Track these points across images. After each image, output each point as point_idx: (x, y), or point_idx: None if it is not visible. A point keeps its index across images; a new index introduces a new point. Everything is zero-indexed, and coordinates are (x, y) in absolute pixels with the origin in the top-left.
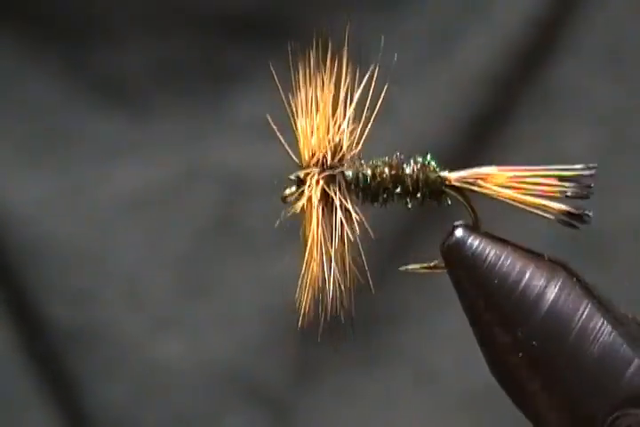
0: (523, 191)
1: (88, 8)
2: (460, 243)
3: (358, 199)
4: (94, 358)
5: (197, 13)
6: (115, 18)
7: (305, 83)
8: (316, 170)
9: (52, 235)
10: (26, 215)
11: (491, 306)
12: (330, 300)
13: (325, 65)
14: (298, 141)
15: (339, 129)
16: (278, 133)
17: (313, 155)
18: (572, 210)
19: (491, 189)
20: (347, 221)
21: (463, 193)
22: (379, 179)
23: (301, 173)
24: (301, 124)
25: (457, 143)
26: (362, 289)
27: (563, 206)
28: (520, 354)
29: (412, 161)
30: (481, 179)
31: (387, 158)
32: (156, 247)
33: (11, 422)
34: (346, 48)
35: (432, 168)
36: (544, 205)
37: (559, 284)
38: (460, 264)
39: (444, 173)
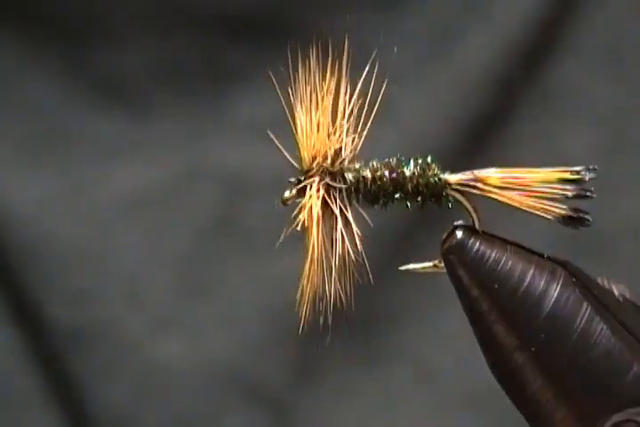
0: (523, 193)
1: (88, 8)
2: (461, 244)
3: (358, 202)
4: (94, 357)
5: (197, 13)
6: (115, 18)
7: (305, 84)
8: (316, 179)
9: (52, 235)
10: (26, 215)
11: (492, 307)
12: (330, 300)
13: (326, 66)
14: (298, 144)
15: (339, 132)
16: (276, 142)
17: (313, 158)
18: (573, 214)
19: (491, 191)
20: (346, 227)
21: (464, 195)
22: (379, 183)
23: (302, 177)
24: (301, 127)
25: (457, 143)
26: (362, 289)
27: (563, 211)
28: (521, 354)
29: (412, 163)
30: (481, 181)
31: (387, 160)
32: (156, 247)
33: (11, 421)
34: (346, 48)
35: (432, 171)
36: (545, 209)
37: (559, 286)
38: (461, 266)
39: (444, 176)
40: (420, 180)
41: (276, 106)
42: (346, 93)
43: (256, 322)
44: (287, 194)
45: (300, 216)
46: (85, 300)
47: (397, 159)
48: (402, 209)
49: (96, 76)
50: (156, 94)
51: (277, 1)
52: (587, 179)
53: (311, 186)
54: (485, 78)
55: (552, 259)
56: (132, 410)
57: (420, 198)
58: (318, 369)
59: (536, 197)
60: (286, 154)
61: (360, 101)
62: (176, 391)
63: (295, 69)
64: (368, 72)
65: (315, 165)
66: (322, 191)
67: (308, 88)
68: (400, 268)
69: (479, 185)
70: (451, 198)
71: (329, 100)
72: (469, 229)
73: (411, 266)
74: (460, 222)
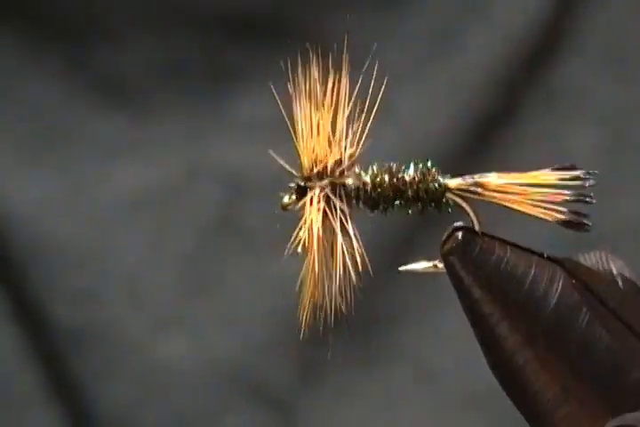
0: (523, 197)
1: (88, 8)
2: (462, 245)
3: (358, 208)
4: (95, 357)
5: (197, 13)
6: (115, 18)
7: (305, 85)
8: (316, 191)
9: (53, 235)
10: (26, 215)
11: (495, 307)
12: (330, 301)
13: (325, 66)
14: (297, 149)
15: (339, 136)
16: (271, 152)
17: (313, 164)
18: (572, 218)
19: (491, 195)
20: (346, 237)
21: (464, 199)
22: (379, 189)
23: (301, 182)
24: (301, 130)
25: (458, 144)
26: (362, 290)
27: (563, 216)
28: (523, 355)
29: (412, 168)
30: (481, 186)
31: (387, 166)
32: (157, 247)
33: (12, 421)
34: (345, 48)
35: (432, 176)
36: (544, 212)
37: (560, 287)
38: (462, 267)
39: (444, 181)
40: (421, 185)
41: (277, 106)
42: (346, 94)
43: (256, 322)
44: (287, 199)
45: (301, 233)
46: (86, 299)
47: (397, 164)
48: (402, 214)
49: (96, 76)
50: (155, 94)
51: (277, 1)
52: (586, 185)
53: (312, 199)
54: (486, 78)
55: (551, 258)
56: (132, 410)
57: (420, 204)
58: (319, 369)
59: (536, 200)
60: (284, 164)
61: (360, 102)
62: (177, 391)
63: (295, 70)
64: (368, 72)
65: (315, 172)
66: (322, 203)
67: (308, 89)
68: (399, 268)
69: (479, 190)
70: (451, 203)
71: (329, 102)
72: (470, 231)
73: (410, 266)
74: (460, 224)
